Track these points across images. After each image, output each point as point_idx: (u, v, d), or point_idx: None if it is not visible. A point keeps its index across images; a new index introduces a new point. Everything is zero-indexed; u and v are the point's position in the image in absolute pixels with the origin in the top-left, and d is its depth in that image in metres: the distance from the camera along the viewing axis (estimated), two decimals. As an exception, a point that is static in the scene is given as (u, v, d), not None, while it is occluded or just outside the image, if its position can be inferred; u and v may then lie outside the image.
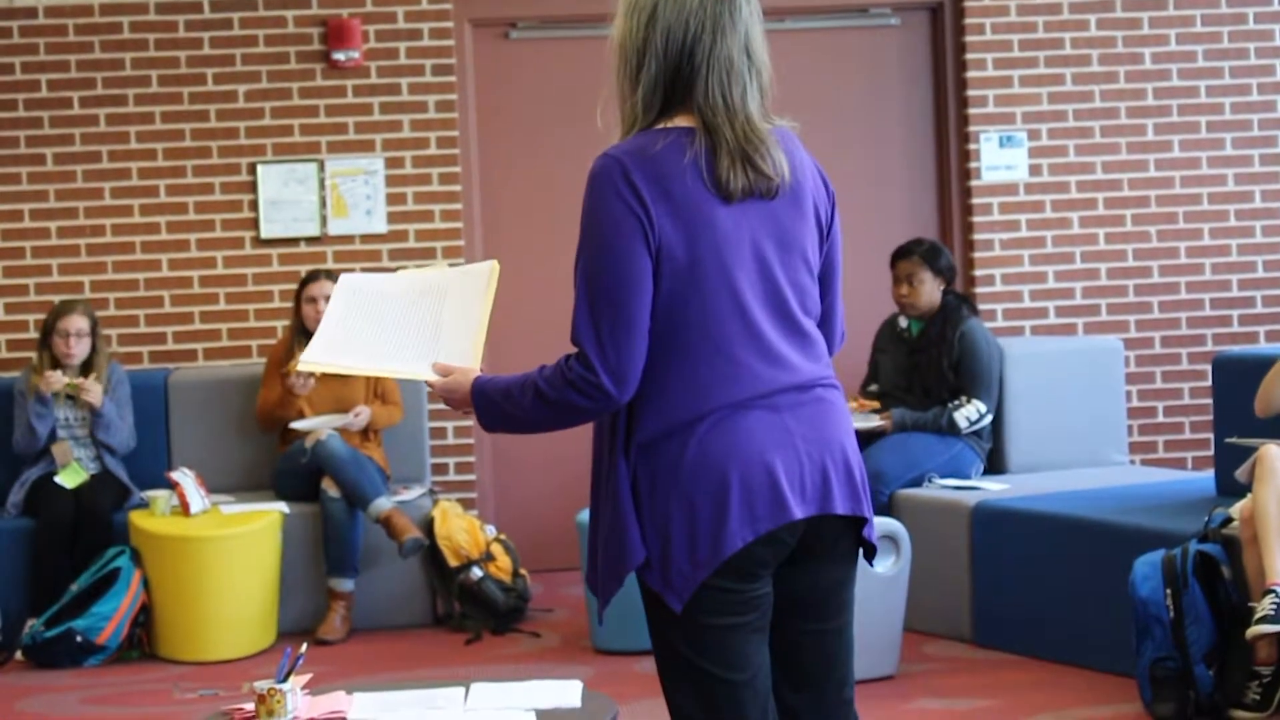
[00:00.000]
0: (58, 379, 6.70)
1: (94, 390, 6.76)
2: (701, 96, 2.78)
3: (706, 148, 2.77)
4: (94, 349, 6.88)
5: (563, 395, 2.78)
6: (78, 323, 6.82)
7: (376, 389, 7.06)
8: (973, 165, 7.74)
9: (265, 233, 7.55)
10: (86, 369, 6.87)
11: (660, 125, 2.82)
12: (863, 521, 2.88)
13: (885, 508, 6.33)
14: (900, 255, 6.68)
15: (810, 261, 2.86)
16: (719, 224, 2.76)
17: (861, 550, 2.92)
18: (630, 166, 2.78)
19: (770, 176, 2.78)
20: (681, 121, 2.81)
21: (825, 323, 2.95)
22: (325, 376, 6.94)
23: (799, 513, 2.76)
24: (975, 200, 7.74)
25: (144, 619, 6.48)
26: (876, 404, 6.68)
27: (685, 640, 2.80)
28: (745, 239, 2.78)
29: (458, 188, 7.62)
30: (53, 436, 6.79)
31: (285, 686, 3.77)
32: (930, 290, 6.63)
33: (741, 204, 2.78)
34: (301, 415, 6.89)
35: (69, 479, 6.66)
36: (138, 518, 6.60)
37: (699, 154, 2.77)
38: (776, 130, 2.84)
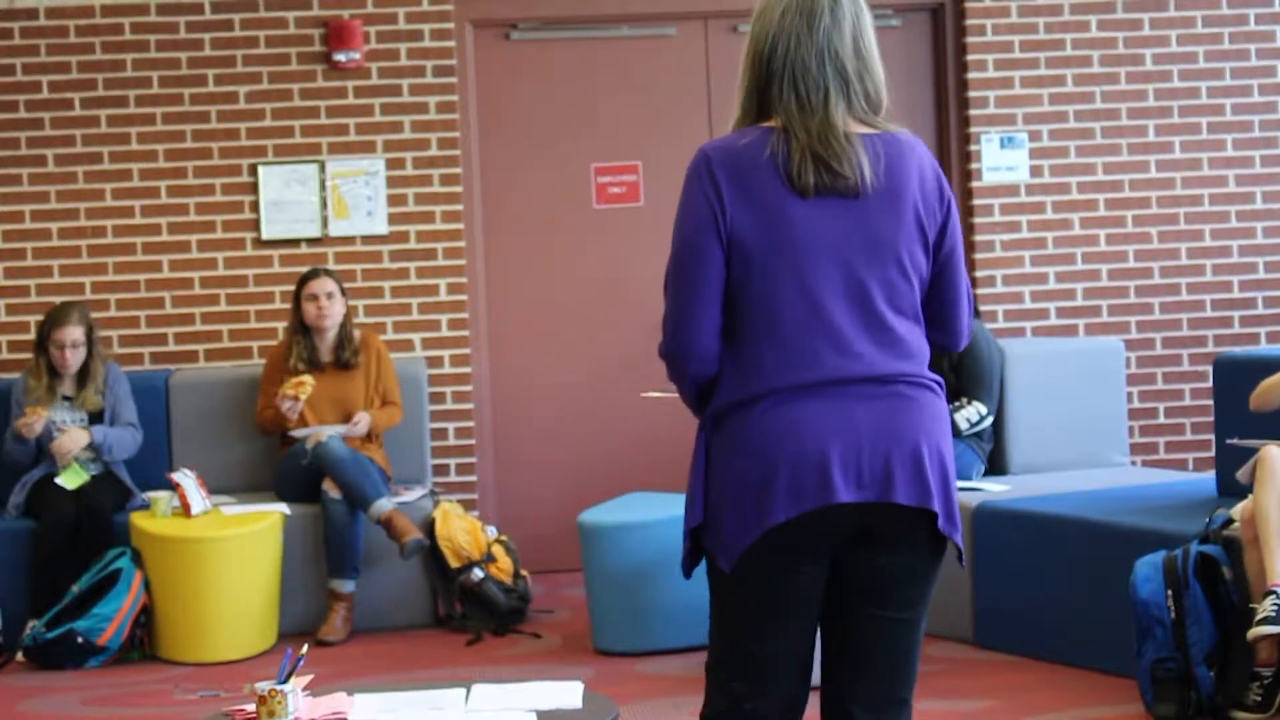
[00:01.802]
0: (38, 424, 6.68)
1: (79, 436, 6.74)
2: (777, 99, 2.99)
3: (784, 146, 2.95)
4: (90, 353, 6.87)
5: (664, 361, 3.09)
6: (73, 334, 6.81)
7: (377, 389, 7.06)
8: (974, 166, 7.74)
9: (266, 234, 7.55)
10: (84, 374, 6.87)
11: (756, 125, 3.02)
12: (934, 517, 2.97)
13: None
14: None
15: (904, 262, 2.98)
16: (794, 218, 2.94)
17: (943, 547, 3.03)
18: (714, 160, 2.98)
19: (845, 176, 2.94)
20: (770, 122, 3.00)
21: (941, 323, 3.09)
22: (326, 380, 6.95)
23: (846, 497, 2.90)
24: (976, 201, 7.74)
25: (145, 620, 6.48)
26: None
27: (725, 599, 3.06)
28: (824, 234, 2.95)
29: (459, 189, 7.62)
30: (49, 436, 6.78)
31: (286, 687, 3.77)
32: (932, 291, 6.63)
33: (822, 201, 2.95)
34: (303, 422, 6.89)
35: (70, 480, 6.66)
36: (139, 519, 6.60)
37: (776, 152, 2.95)
38: (877, 135, 2.99)
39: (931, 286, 3.06)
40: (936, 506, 2.96)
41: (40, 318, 7.08)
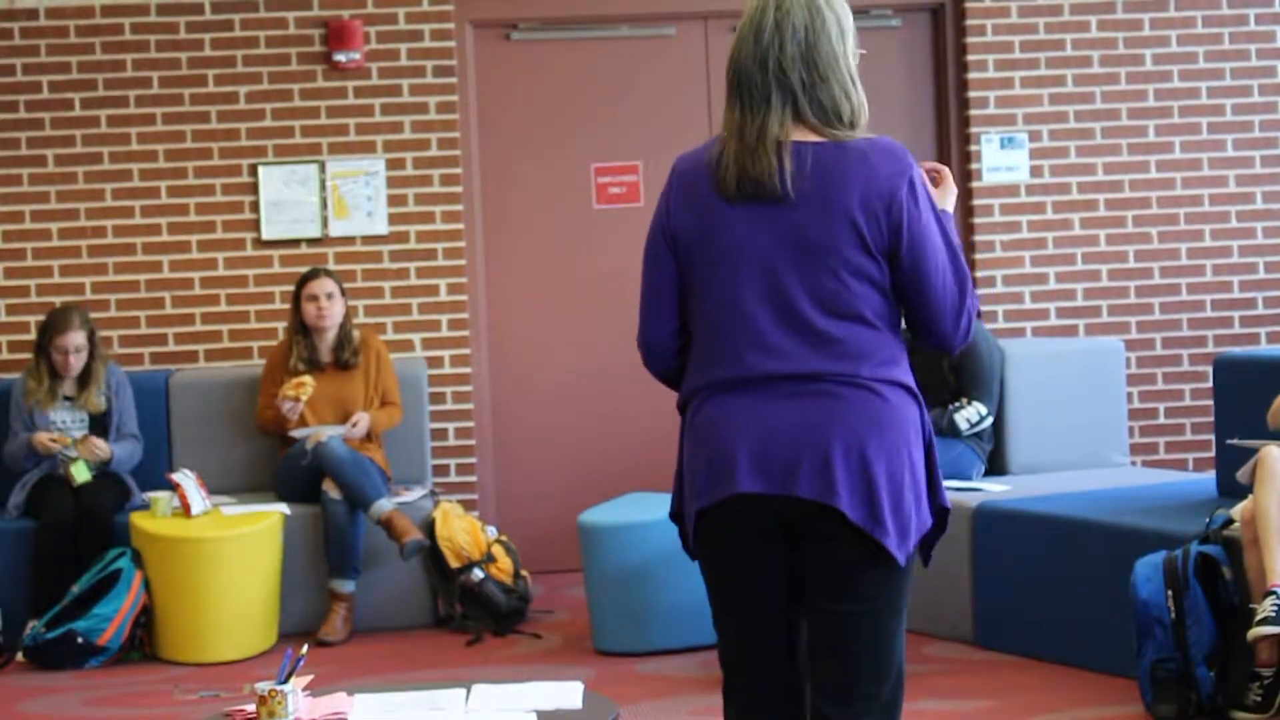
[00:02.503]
0: (53, 444, 6.69)
1: (102, 448, 6.78)
2: (729, 108, 3.12)
3: (720, 154, 3.10)
4: (92, 355, 6.87)
5: None
6: (75, 339, 6.81)
7: (377, 389, 7.06)
8: (974, 166, 7.74)
9: (266, 234, 7.55)
10: (85, 376, 6.87)
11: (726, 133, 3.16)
12: (842, 514, 3.03)
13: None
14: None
15: (838, 267, 3.04)
16: (726, 224, 3.08)
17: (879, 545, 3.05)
18: (676, 170, 3.19)
19: (763, 183, 3.04)
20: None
21: (918, 326, 3.13)
22: (325, 380, 6.95)
23: (748, 487, 3.04)
24: (976, 201, 7.74)
25: (145, 620, 6.48)
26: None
27: (704, 579, 3.24)
28: (750, 239, 3.06)
29: (459, 189, 7.62)
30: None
31: (286, 688, 3.76)
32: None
33: (752, 208, 3.06)
34: (303, 422, 6.89)
35: (77, 474, 6.65)
36: (139, 519, 6.60)
37: (712, 160, 3.10)
38: (820, 144, 3.06)
39: (901, 292, 3.09)
40: (844, 504, 3.00)
41: (40, 318, 7.08)
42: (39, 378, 6.84)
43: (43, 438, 6.71)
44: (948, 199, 3.25)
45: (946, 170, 3.32)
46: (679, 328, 3.20)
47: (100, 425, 6.89)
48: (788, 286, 3.05)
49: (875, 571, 3.07)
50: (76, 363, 6.82)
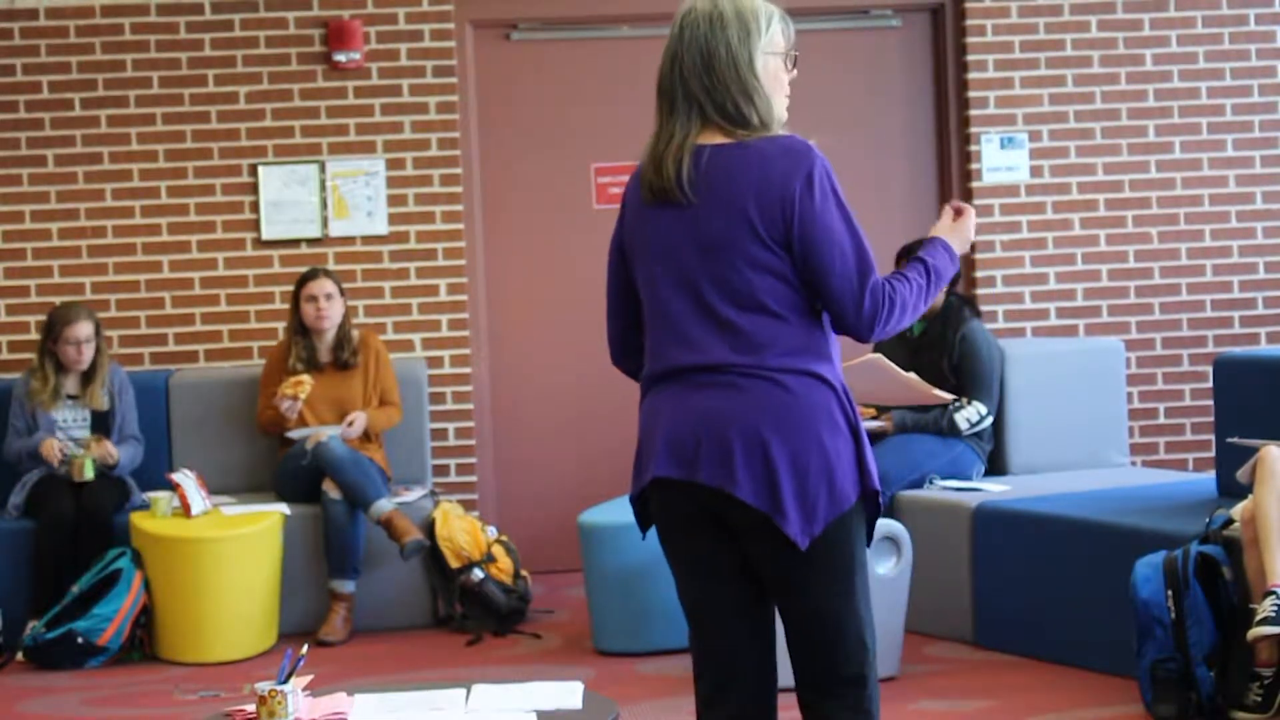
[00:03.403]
0: (58, 453, 6.69)
1: (111, 453, 6.79)
2: (660, 114, 3.28)
3: (643, 159, 3.29)
4: (97, 350, 6.89)
5: None
6: (85, 329, 6.82)
7: (376, 389, 7.06)
8: (974, 166, 7.74)
9: (266, 234, 7.55)
10: (90, 373, 6.87)
11: None
12: (740, 502, 3.16)
13: (887, 509, 6.33)
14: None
15: (738, 261, 3.17)
16: (647, 227, 3.28)
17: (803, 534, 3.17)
18: (632, 176, 3.35)
19: (667, 187, 3.22)
20: None
21: (828, 310, 3.20)
22: (324, 380, 6.95)
23: (661, 472, 3.21)
24: (976, 201, 7.73)
25: (145, 620, 6.48)
26: (874, 410, 6.68)
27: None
28: (663, 239, 3.24)
29: (459, 189, 7.62)
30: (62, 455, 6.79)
31: (286, 688, 3.77)
32: (933, 292, 6.62)
33: (666, 210, 3.23)
34: (302, 422, 6.89)
35: (85, 470, 6.65)
36: (139, 519, 6.60)
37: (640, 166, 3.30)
38: (722, 146, 3.20)
39: (805, 282, 3.19)
40: (742, 491, 3.13)
41: (40, 318, 7.08)
42: (43, 377, 6.83)
43: (53, 448, 6.69)
44: (958, 236, 3.44)
45: (970, 209, 3.47)
46: (630, 326, 3.40)
47: (102, 425, 6.89)
48: (697, 282, 3.20)
49: (789, 554, 3.17)
50: (87, 354, 6.82)
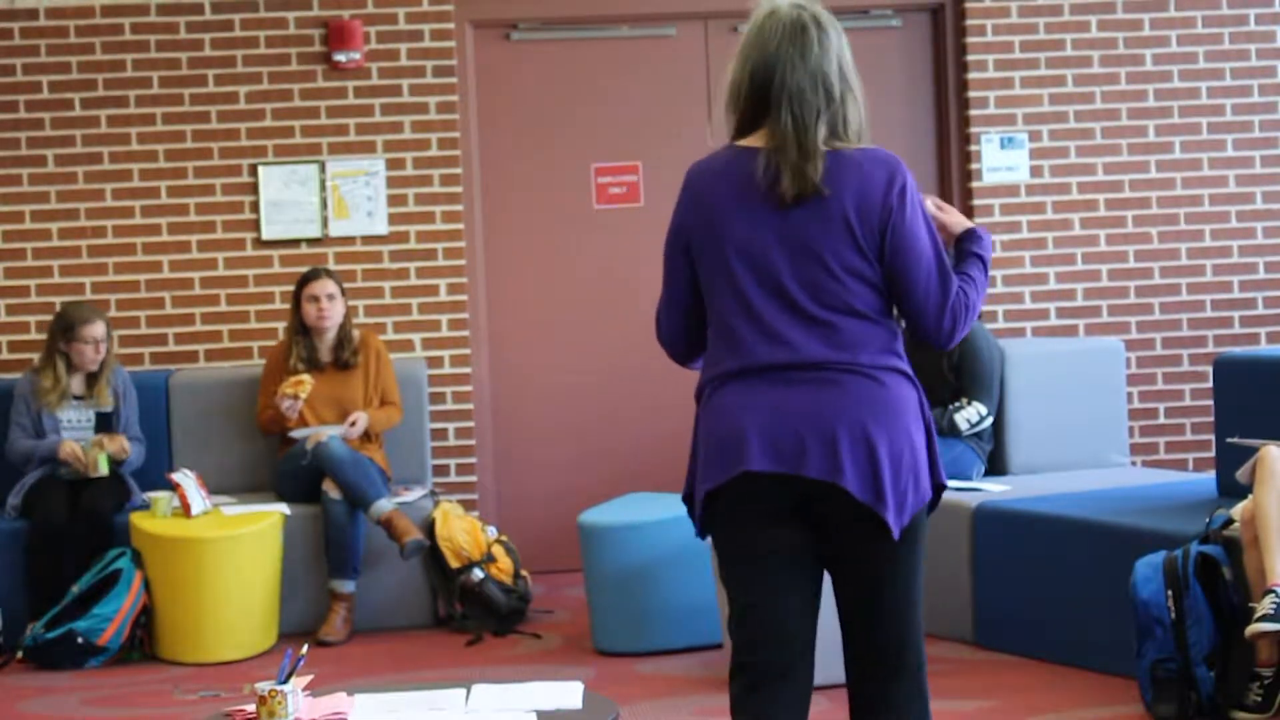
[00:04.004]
0: (79, 455, 6.69)
1: (125, 448, 6.83)
2: (775, 121, 3.30)
3: (771, 164, 3.29)
4: (107, 349, 6.89)
5: None
6: (99, 329, 6.83)
7: (376, 389, 7.06)
8: (974, 166, 7.74)
9: (266, 234, 7.55)
10: (97, 372, 6.87)
11: (739, 143, 3.38)
12: (846, 492, 3.24)
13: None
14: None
15: (831, 264, 3.28)
16: (734, 229, 3.31)
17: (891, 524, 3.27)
18: (692, 177, 3.42)
19: (818, 187, 3.26)
20: (754, 141, 3.35)
21: (909, 320, 3.36)
22: (325, 380, 6.95)
23: (758, 466, 3.25)
24: (976, 201, 7.74)
25: (145, 620, 6.48)
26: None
27: (717, 557, 3.44)
28: (756, 243, 3.30)
29: (459, 189, 7.62)
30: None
31: (286, 688, 3.77)
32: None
33: (754, 210, 3.30)
34: (303, 422, 6.89)
35: (101, 464, 6.64)
36: (139, 519, 6.60)
37: (756, 168, 3.30)
38: (832, 152, 3.29)
39: (890, 289, 3.34)
40: (849, 483, 3.23)
41: (42, 318, 7.08)
42: (52, 377, 6.82)
43: (73, 450, 6.68)
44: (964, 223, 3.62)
45: (945, 205, 3.62)
46: (691, 323, 3.45)
47: (106, 425, 6.89)
48: (784, 282, 3.28)
49: (881, 545, 3.29)
50: (101, 352, 6.82)
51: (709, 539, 3.45)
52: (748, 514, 3.32)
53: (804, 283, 3.28)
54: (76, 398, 6.87)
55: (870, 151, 3.34)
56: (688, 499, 3.44)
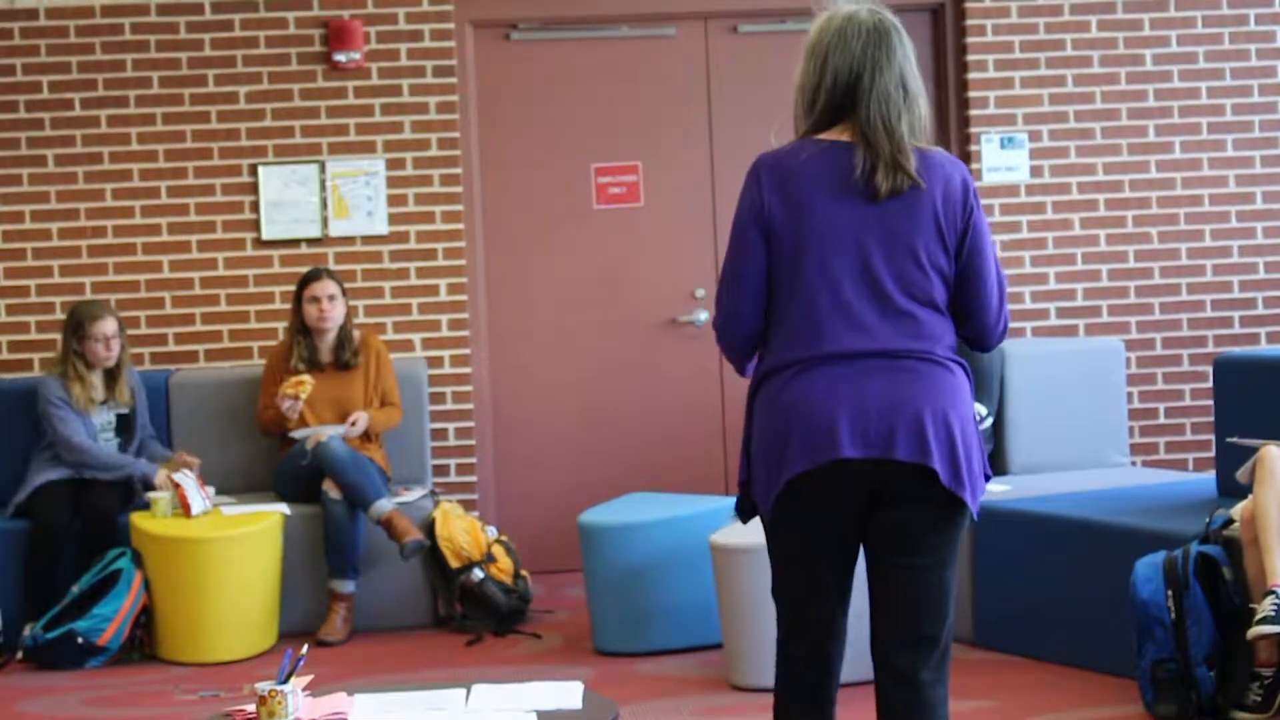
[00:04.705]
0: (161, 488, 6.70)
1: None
2: (864, 119, 3.47)
3: (866, 157, 3.44)
4: (121, 346, 6.89)
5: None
6: (111, 325, 6.82)
7: (376, 389, 7.06)
8: (974, 166, 7.74)
9: (266, 234, 7.55)
10: (115, 371, 6.86)
11: (817, 137, 3.51)
12: (934, 473, 3.39)
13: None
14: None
15: (921, 257, 3.45)
16: (827, 217, 3.44)
17: (956, 502, 3.44)
18: (765, 166, 3.50)
19: (917, 182, 3.44)
20: (836, 135, 3.49)
21: (966, 318, 3.54)
22: (325, 380, 6.95)
23: (852, 453, 3.37)
24: (976, 201, 7.73)
25: (145, 620, 6.48)
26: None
27: (770, 542, 3.57)
28: (849, 232, 3.43)
29: (459, 189, 7.62)
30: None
31: (286, 688, 3.77)
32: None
33: (848, 203, 3.44)
34: (303, 422, 6.89)
35: (157, 509, 6.60)
36: (139, 519, 6.60)
37: (847, 162, 3.45)
38: (926, 151, 3.51)
39: (956, 286, 3.51)
40: (936, 464, 3.38)
41: (41, 318, 7.08)
42: (80, 380, 6.78)
43: (165, 477, 6.69)
44: None
45: None
46: (764, 318, 3.53)
47: (126, 425, 6.90)
48: (877, 273, 3.44)
49: (950, 525, 3.47)
50: (115, 349, 6.82)
51: (768, 520, 3.53)
52: (827, 499, 3.45)
53: (895, 274, 3.44)
54: (101, 402, 6.86)
55: (944, 153, 3.55)
56: (744, 485, 3.55)
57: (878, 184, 3.42)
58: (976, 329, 3.56)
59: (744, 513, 3.62)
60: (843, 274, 3.43)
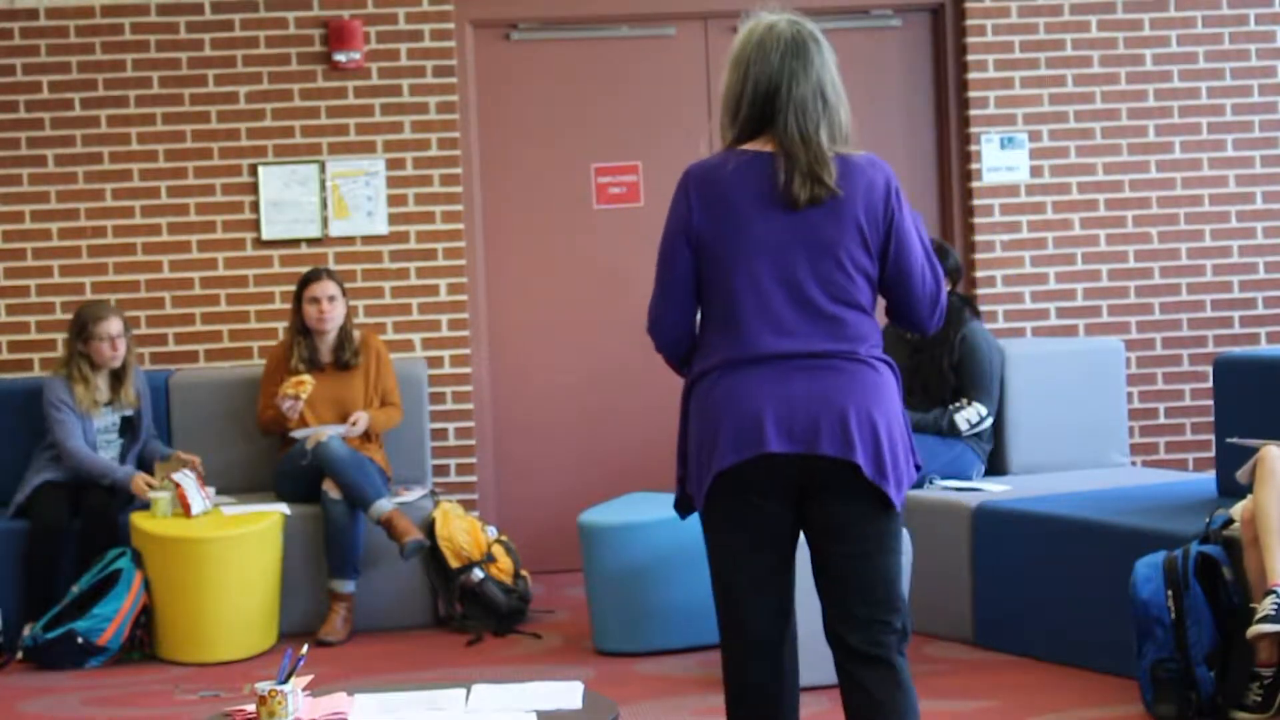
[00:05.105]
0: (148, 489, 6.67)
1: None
2: (782, 130, 3.56)
3: (783, 168, 3.53)
4: (127, 347, 6.88)
5: None
6: (116, 324, 6.81)
7: (377, 389, 7.06)
8: (974, 167, 7.74)
9: (266, 234, 7.55)
10: (120, 372, 6.86)
11: (741, 147, 3.61)
12: (858, 468, 3.52)
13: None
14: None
15: (844, 262, 3.56)
16: (753, 227, 3.55)
17: (883, 496, 3.55)
18: (693, 178, 3.63)
19: (834, 190, 3.53)
20: (759, 146, 3.59)
21: (899, 314, 3.68)
22: (325, 380, 6.95)
23: (777, 448, 3.50)
24: (976, 202, 7.74)
25: (145, 620, 6.48)
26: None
27: (706, 534, 3.69)
28: (774, 241, 3.54)
29: (459, 189, 7.62)
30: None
31: (286, 688, 3.77)
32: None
33: (773, 212, 3.54)
34: (303, 422, 6.89)
35: (158, 509, 6.60)
36: (139, 519, 6.59)
37: (770, 172, 3.54)
38: (837, 157, 3.56)
39: (884, 284, 3.64)
40: (860, 459, 3.51)
41: (41, 318, 7.08)
42: (85, 382, 6.77)
43: (141, 484, 6.67)
44: None
45: None
46: (692, 321, 3.67)
47: (130, 428, 6.89)
48: (802, 279, 3.55)
49: (880, 516, 3.57)
50: (120, 350, 6.81)
51: (702, 515, 3.66)
52: (753, 493, 3.57)
53: (820, 279, 3.54)
54: (105, 403, 6.86)
55: (867, 156, 3.62)
56: (681, 481, 3.69)
57: (795, 194, 3.52)
58: (910, 322, 3.69)
59: (682, 508, 3.75)
60: (768, 281, 3.55)
